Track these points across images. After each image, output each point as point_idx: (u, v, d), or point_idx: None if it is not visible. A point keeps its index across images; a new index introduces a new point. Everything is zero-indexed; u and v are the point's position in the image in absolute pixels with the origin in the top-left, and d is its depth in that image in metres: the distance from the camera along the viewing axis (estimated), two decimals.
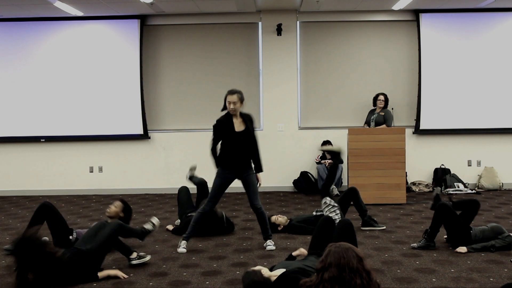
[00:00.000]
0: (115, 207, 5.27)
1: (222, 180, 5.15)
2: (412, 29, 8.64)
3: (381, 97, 8.15)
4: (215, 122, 5.19)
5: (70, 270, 4.15)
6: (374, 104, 8.26)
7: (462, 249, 4.92)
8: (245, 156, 5.18)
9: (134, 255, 4.68)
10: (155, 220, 5.05)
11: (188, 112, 8.65)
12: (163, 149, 8.80)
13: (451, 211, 5.02)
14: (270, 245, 5.20)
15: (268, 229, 5.32)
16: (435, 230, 5.06)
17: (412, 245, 5.16)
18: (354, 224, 6.04)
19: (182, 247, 5.15)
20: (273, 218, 5.91)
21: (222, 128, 5.12)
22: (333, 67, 8.79)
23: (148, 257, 4.74)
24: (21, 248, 3.82)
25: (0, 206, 7.81)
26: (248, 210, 7.17)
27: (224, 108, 5.13)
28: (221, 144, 5.17)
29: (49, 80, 8.67)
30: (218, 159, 5.19)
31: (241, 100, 5.09)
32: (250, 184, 5.20)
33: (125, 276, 4.36)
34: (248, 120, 5.19)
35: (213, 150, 5.20)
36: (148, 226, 4.95)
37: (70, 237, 5.12)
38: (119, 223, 4.66)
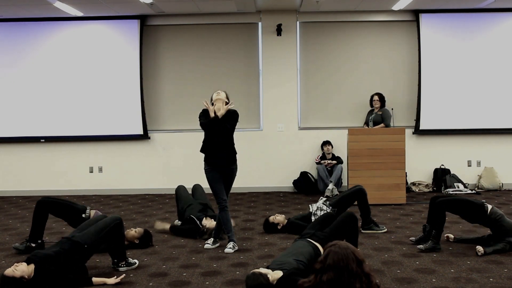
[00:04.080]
0: (134, 232, 5.26)
1: (214, 174, 5.11)
2: (412, 29, 8.64)
3: (376, 97, 8.19)
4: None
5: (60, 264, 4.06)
6: (371, 105, 8.30)
7: (479, 249, 4.81)
8: (228, 149, 5.13)
9: (124, 262, 4.56)
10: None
11: (188, 112, 8.63)
12: (163, 149, 8.80)
13: (452, 200, 5.03)
14: (229, 248, 5.13)
15: (221, 232, 5.37)
16: (439, 230, 4.99)
17: (415, 242, 5.17)
18: None
19: (228, 248, 5.13)
20: (271, 218, 5.89)
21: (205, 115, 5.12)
22: (333, 67, 8.79)
23: (136, 264, 4.64)
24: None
25: (0, 206, 7.82)
26: (248, 210, 7.18)
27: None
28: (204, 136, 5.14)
29: (49, 80, 8.67)
30: (205, 155, 5.17)
31: (228, 98, 5.18)
32: (228, 183, 5.23)
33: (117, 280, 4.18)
34: (231, 113, 5.11)
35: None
36: (131, 261, 4.64)
37: (83, 215, 5.18)
38: (120, 218, 4.53)
